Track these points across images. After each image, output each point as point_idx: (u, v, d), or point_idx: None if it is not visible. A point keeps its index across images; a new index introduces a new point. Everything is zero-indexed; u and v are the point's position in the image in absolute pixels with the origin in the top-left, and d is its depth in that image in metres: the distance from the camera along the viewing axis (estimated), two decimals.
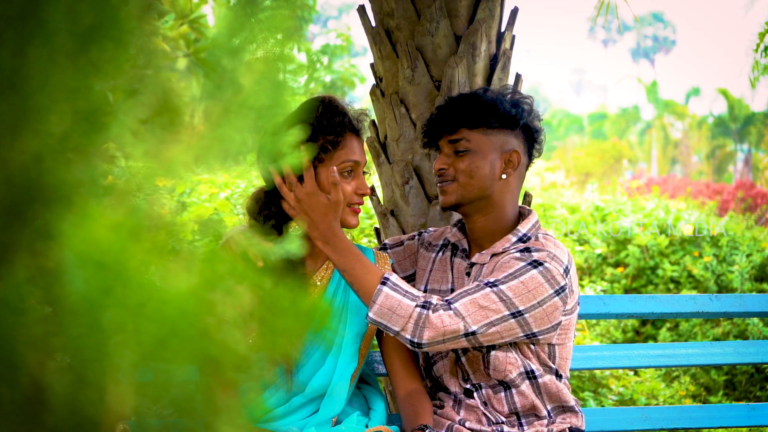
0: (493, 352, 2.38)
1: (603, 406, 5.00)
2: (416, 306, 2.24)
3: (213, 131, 0.58)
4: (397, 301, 2.25)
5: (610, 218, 8.16)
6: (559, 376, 2.43)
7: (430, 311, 2.24)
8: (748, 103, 31.78)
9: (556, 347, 2.41)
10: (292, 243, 0.75)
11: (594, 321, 6.49)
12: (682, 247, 7.64)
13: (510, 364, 2.38)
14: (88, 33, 0.49)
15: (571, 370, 2.80)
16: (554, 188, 13.27)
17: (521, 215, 2.50)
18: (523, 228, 2.43)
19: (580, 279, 7.34)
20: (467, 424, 2.43)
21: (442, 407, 2.50)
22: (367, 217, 6.34)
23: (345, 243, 2.31)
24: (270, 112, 0.58)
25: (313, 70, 18.92)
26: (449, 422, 2.45)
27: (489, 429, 2.41)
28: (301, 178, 2.31)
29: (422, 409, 2.38)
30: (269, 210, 2.37)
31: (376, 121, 3.05)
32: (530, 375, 2.39)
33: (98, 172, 0.59)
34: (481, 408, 2.44)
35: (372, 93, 3.01)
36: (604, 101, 76.80)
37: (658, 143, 36.16)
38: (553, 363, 2.41)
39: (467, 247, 2.51)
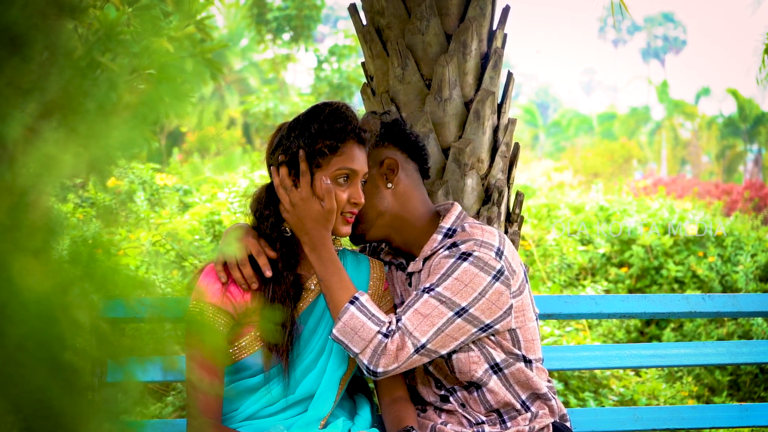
0: (454, 355, 2.37)
1: (603, 406, 4.97)
2: (378, 332, 2.24)
3: (89, 129, 0.57)
4: (361, 323, 2.25)
5: (615, 218, 8.12)
6: (528, 362, 2.41)
7: (389, 339, 2.24)
8: (759, 103, 31.60)
9: (517, 331, 2.38)
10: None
11: (596, 321, 6.46)
12: (687, 247, 7.60)
13: (473, 363, 2.36)
14: None
15: (570, 370, 2.78)
16: (562, 188, 13.21)
17: (444, 212, 2.50)
18: (447, 223, 2.43)
19: (584, 278, 7.31)
20: (449, 426, 2.42)
21: (424, 411, 2.50)
22: None
23: (330, 254, 2.31)
24: (146, 109, 0.57)
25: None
26: (432, 423, 2.45)
27: (470, 430, 2.40)
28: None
29: (406, 413, 2.39)
30: (269, 209, 2.38)
31: None
32: (496, 368, 2.37)
33: None
34: (460, 410, 2.43)
35: (363, 92, 3.00)
36: (614, 101, 76.57)
37: (668, 143, 36.00)
38: (519, 349, 2.39)
39: (403, 261, 2.53)
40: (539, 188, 12.81)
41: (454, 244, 2.34)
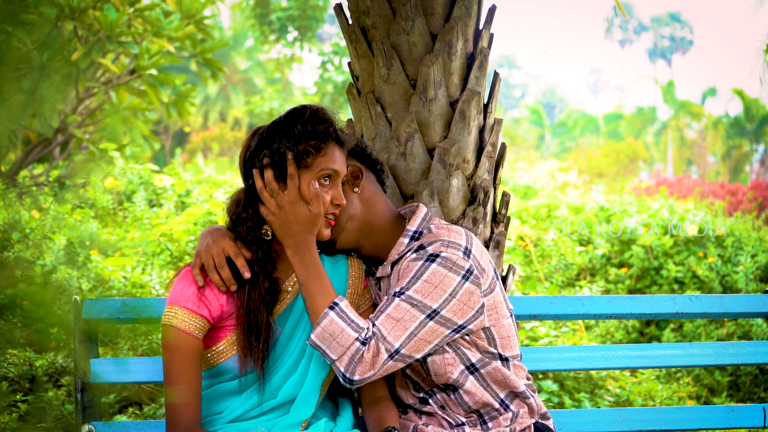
0: (429, 358, 2.36)
1: (599, 407, 4.95)
2: (356, 339, 2.24)
3: None
4: (340, 329, 2.25)
5: (615, 219, 8.09)
6: (504, 360, 2.40)
7: (366, 347, 2.24)
8: (765, 104, 31.47)
9: (492, 329, 2.37)
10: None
11: (593, 322, 6.43)
12: (687, 247, 7.56)
13: (448, 365, 2.35)
14: None
15: (555, 371, 2.76)
16: (566, 188, 13.17)
17: (410, 215, 2.50)
18: (413, 225, 2.44)
19: (584, 279, 7.29)
20: (430, 427, 2.42)
21: (405, 413, 2.50)
22: None
23: (313, 258, 2.31)
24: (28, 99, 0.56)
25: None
26: (413, 424, 2.44)
27: None
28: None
29: (388, 413, 2.38)
30: (248, 212, 2.37)
31: (353, 120, 3.03)
32: (472, 369, 2.37)
33: None
34: (440, 413, 2.43)
35: (348, 92, 3.00)
36: (621, 101, 76.36)
37: (674, 144, 35.91)
38: (495, 347, 2.38)
39: (373, 268, 2.53)
40: (541, 188, 12.78)
41: (421, 247, 2.34)
